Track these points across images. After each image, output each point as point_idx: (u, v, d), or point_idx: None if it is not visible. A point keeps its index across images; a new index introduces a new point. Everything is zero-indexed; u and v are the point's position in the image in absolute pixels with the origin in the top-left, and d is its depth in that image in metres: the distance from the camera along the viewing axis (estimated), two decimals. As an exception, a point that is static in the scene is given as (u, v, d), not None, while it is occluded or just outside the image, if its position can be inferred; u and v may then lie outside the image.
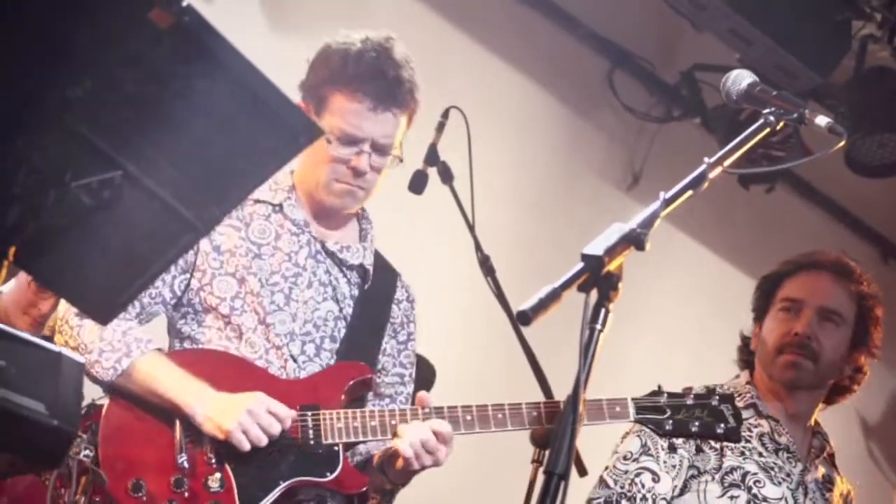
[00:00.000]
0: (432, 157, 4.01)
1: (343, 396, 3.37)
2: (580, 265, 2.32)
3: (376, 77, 3.40)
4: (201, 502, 3.21)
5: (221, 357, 3.37)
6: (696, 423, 3.37)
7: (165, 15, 1.91)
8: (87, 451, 4.03)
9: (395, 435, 3.28)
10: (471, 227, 4.04)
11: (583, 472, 3.64)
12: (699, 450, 3.77)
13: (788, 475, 3.86)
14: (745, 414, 3.76)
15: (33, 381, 2.19)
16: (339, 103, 3.42)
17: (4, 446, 2.25)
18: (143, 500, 3.19)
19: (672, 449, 3.78)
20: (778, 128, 2.82)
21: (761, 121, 2.81)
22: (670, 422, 3.38)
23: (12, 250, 2.06)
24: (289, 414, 3.25)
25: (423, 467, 3.30)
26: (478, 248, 4.06)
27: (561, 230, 6.16)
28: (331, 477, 3.27)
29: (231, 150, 2.10)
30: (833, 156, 2.90)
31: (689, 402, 3.42)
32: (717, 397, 3.43)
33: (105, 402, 4.26)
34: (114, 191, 2.05)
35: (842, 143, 2.84)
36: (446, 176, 4.04)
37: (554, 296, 2.28)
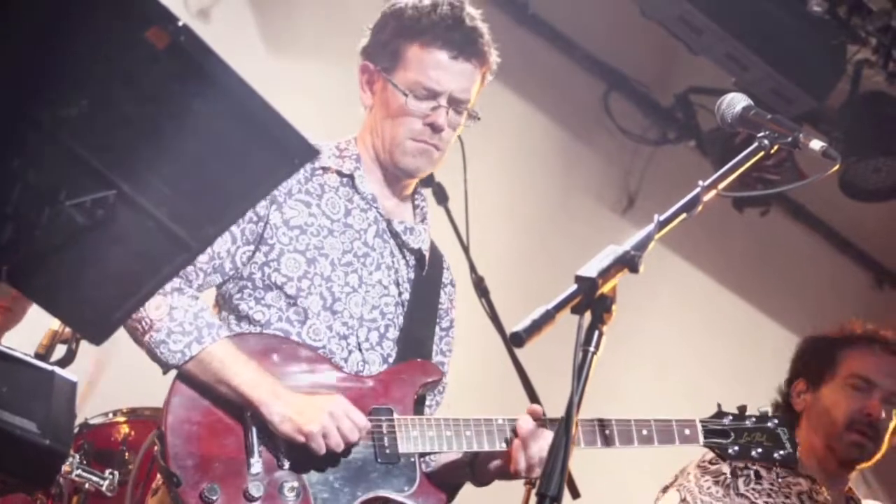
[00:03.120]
0: (427, 177, 4.01)
1: (414, 398, 3.22)
2: (574, 287, 2.33)
3: (454, 26, 3.28)
4: None
5: (290, 347, 3.17)
6: (757, 449, 3.33)
7: (162, 34, 1.91)
8: (78, 471, 4.02)
9: (510, 445, 3.15)
10: (465, 249, 4.04)
11: (575, 494, 3.64)
12: (740, 495, 3.77)
13: None
14: (782, 472, 3.84)
15: (25, 401, 2.18)
16: (416, 55, 3.27)
17: (-4, 465, 2.25)
18: None
19: None
20: (772, 151, 2.83)
21: (756, 144, 2.82)
22: (735, 446, 3.33)
23: (5, 269, 2.06)
24: (366, 425, 3.08)
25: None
26: (472, 269, 4.06)
27: (555, 252, 6.16)
28: (409, 491, 3.11)
29: (226, 169, 2.10)
30: (827, 180, 2.91)
31: (749, 424, 3.36)
32: (775, 420, 3.39)
33: (98, 419, 4.28)
34: (107, 210, 2.04)
35: (836, 168, 2.84)
36: (441, 196, 4.03)
37: (547, 317, 2.28)
